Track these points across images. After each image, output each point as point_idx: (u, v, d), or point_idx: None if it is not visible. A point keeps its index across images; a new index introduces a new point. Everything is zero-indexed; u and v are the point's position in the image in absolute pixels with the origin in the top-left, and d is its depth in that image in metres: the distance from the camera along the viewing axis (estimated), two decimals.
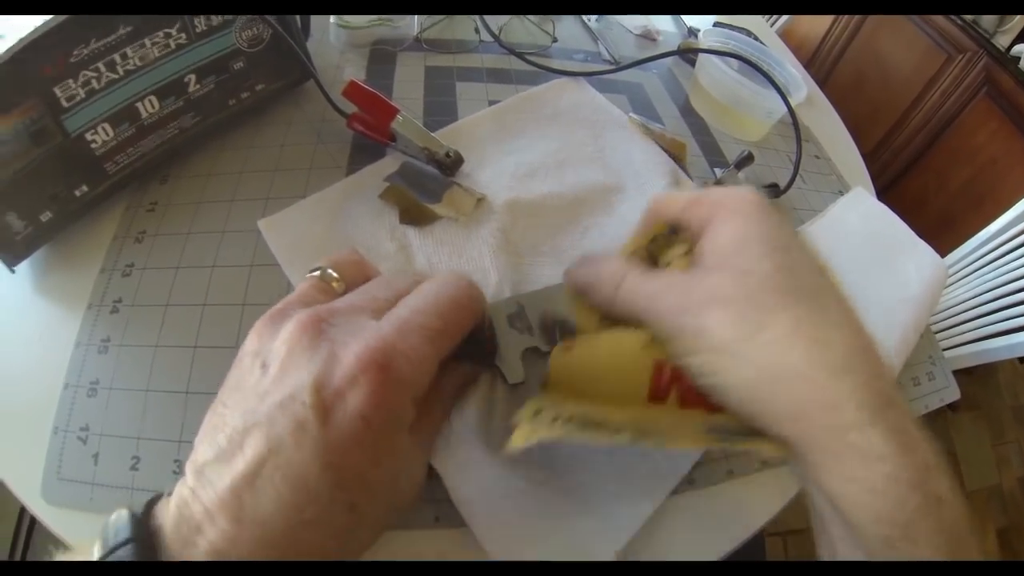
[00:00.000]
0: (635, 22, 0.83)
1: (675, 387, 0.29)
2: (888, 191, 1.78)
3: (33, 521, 1.03)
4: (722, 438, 0.28)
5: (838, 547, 0.27)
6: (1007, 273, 0.88)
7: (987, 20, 1.65)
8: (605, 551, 0.35)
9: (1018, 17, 1.60)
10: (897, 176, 1.76)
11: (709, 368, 0.27)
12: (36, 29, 0.37)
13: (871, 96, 1.82)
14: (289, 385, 0.23)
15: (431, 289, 0.28)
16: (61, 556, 0.24)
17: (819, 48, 1.97)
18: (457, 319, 0.28)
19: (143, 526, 0.23)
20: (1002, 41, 1.59)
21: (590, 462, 0.37)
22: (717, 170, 0.60)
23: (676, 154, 0.58)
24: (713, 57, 0.67)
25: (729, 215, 0.30)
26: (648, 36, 0.81)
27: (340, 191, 0.48)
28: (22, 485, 0.34)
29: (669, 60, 0.76)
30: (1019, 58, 1.52)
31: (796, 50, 0.99)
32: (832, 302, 0.28)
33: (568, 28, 0.77)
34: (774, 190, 0.59)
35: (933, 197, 1.64)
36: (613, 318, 0.32)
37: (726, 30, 0.77)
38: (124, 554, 0.21)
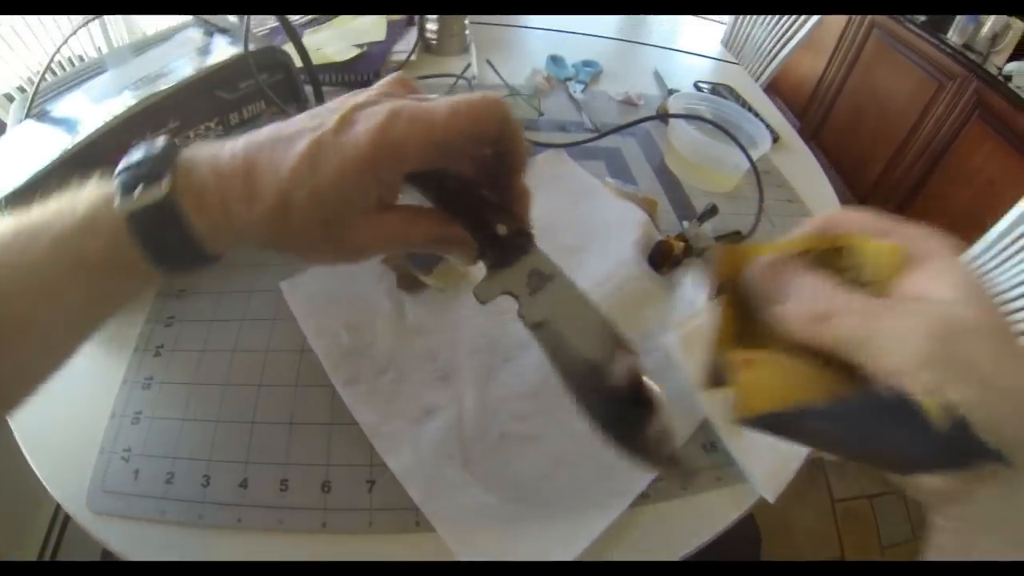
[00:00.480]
0: (618, 88, 0.92)
1: None
2: None
3: (61, 533, 1.13)
4: None
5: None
6: (1016, 275, 0.92)
7: (980, 42, 1.71)
8: (567, 554, 0.41)
9: (1010, 37, 1.66)
10: (900, 204, 1.80)
11: (965, 403, 0.24)
12: (97, 129, 0.47)
13: (870, 129, 1.88)
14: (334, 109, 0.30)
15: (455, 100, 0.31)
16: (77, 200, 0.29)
17: (817, 87, 2.05)
18: (466, 115, 0.30)
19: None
20: (996, 61, 1.64)
21: (557, 480, 0.45)
22: (685, 223, 0.68)
23: (648, 211, 0.66)
24: (681, 120, 0.75)
25: (951, 252, 0.28)
26: (630, 102, 0.90)
27: None
28: (68, 497, 0.41)
29: (648, 123, 0.84)
30: (1010, 77, 1.57)
31: (794, 91, 1.07)
32: None
33: (555, 101, 0.87)
34: (736, 237, 0.67)
35: (936, 222, 1.60)
36: (753, 322, 0.30)
37: (697, 93, 0.86)
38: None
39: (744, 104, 0.95)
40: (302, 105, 0.59)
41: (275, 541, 0.41)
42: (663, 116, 0.80)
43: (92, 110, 0.51)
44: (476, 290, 0.33)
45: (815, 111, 2.11)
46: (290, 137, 0.29)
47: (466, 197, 0.34)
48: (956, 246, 0.28)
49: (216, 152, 0.29)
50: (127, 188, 0.28)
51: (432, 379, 0.49)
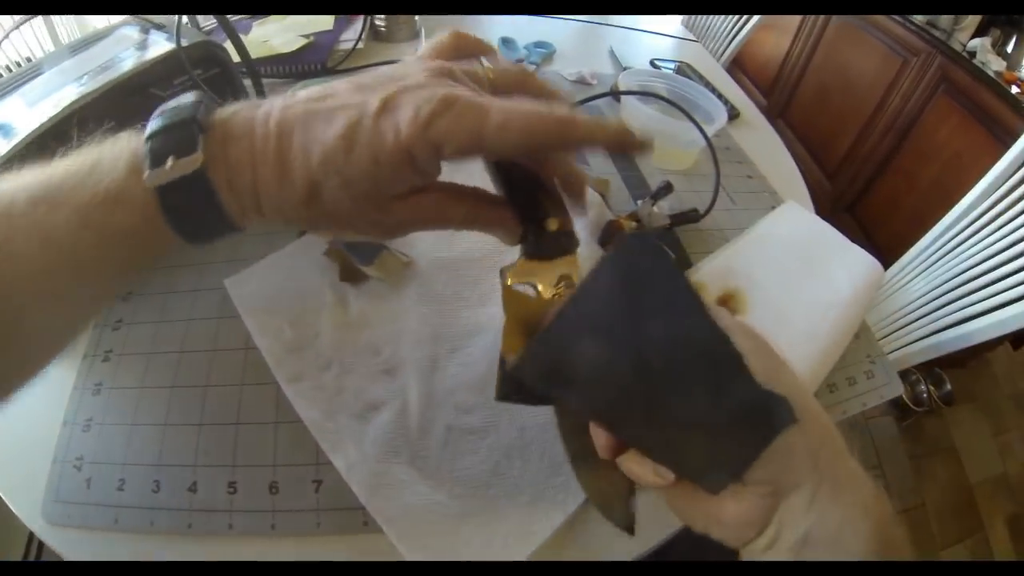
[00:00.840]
0: (570, 69, 0.89)
1: None
2: (861, 197, 1.82)
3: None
4: None
5: None
6: (983, 250, 0.91)
7: (944, 19, 1.69)
8: (519, 553, 0.39)
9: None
10: (868, 181, 1.79)
11: None
12: (29, 134, 0.44)
13: (836, 107, 1.87)
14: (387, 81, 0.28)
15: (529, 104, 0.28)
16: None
17: (782, 67, 2.03)
18: (519, 130, 0.27)
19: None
20: (961, 38, 1.63)
21: (507, 476, 0.42)
22: (638, 201, 0.65)
23: (600, 191, 0.63)
24: (632, 98, 0.72)
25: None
26: (583, 81, 0.87)
27: (291, 251, 0.54)
28: (25, 509, 0.40)
29: (602, 101, 0.81)
30: (974, 53, 1.56)
31: (760, 70, 1.05)
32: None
33: None
34: (693, 214, 0.64)
35: (904, 198, 1.66)
36: None
37: (651, 70, 0.83)
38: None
39: (704, 82, 0.92)
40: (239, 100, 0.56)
41: (226, 546, 0.40)
42: (615, 93, 0.77)
43: (26, 114, 0.48)
44: (510, 274, 0.33)
45: (781, 89, 2.10)
46: (329, 113, 0.27)
47: (525, 181, 0.33)
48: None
49: (252, 117, 0.28)
50: (157, 158, 0.26)
51: (376, 372, 0.47)
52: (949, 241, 0.99)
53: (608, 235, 0.57)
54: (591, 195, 0.60)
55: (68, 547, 0.39)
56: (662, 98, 0.71)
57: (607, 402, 0.29)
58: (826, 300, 0.56)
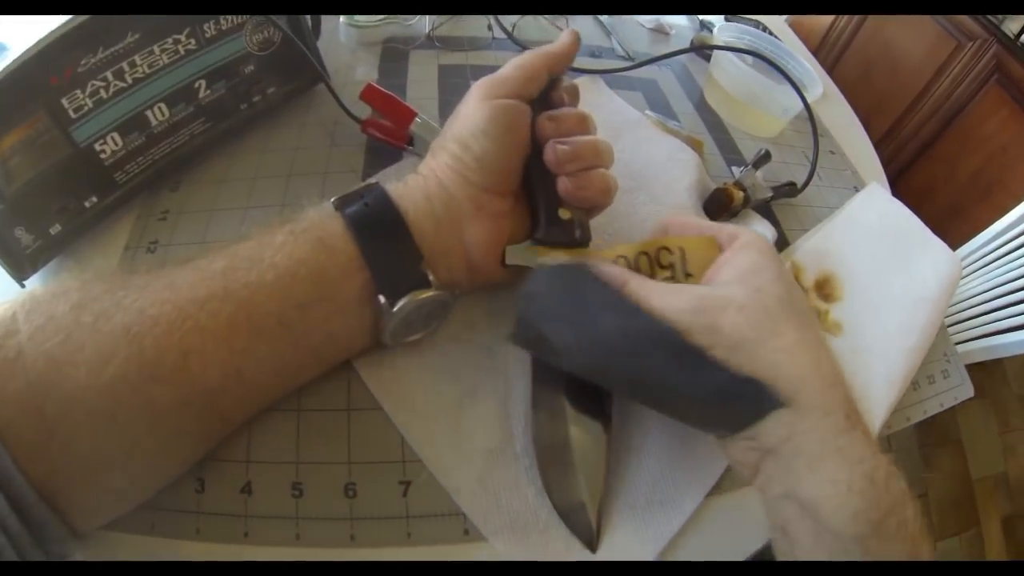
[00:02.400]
0: (647, 16, 0.81)
1: None
2: (897, 180, 1.76)
3: None
4: None
5: (800, 556, 0.29)
6: (1018, 268, 0.87)
7: None
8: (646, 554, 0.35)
9: None
10: (905, 166, 1.74)
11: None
12: (41, 40, 0.36)
13: (879, 85, 1.80)
14: None
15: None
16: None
17: (825, 38, 1.94)
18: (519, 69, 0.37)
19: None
20: (1012, 27, 1.56)
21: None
22: (735, 168, 0.59)
23: (696, 150, 0.57)
24: (728, 53, 0.65)
25: (746, 245, 0.34)
26: (661, 30, 0.80)
27: None
28: None
29: (683, 56, 0.74)
30: None
31: (803, 40, 0.98)
32: (819, 332, 0.33)
33: (580, 23, 0.75)
34: (791, 188, 0.58)
35: (942, 187, 1.62)
36: None
37: (740, 25, 0.76)
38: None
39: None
40: (293, 17, 0.47)
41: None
42: (707, 47, 0.70)
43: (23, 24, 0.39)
44: (508, 248, 0.36)
45: (822, 62, 2.01)
46: None
47: (549, 176, 0.36)
48: (761, 241, 0.35)
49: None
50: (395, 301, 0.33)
51: (472, 350, 0.40)
52: (1002, 246, 0.96)
53: (716, 203, 0.51)
54: (692, 155, 0.55)
55: None
56: (763, 57, 0.65)
57: (592, 369, 0.32)
58: (915, 294, 0.53)
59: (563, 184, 0.35)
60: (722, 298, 0.31)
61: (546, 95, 0.38)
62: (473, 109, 0.35)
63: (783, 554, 0.30)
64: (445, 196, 0.35)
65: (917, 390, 0.52)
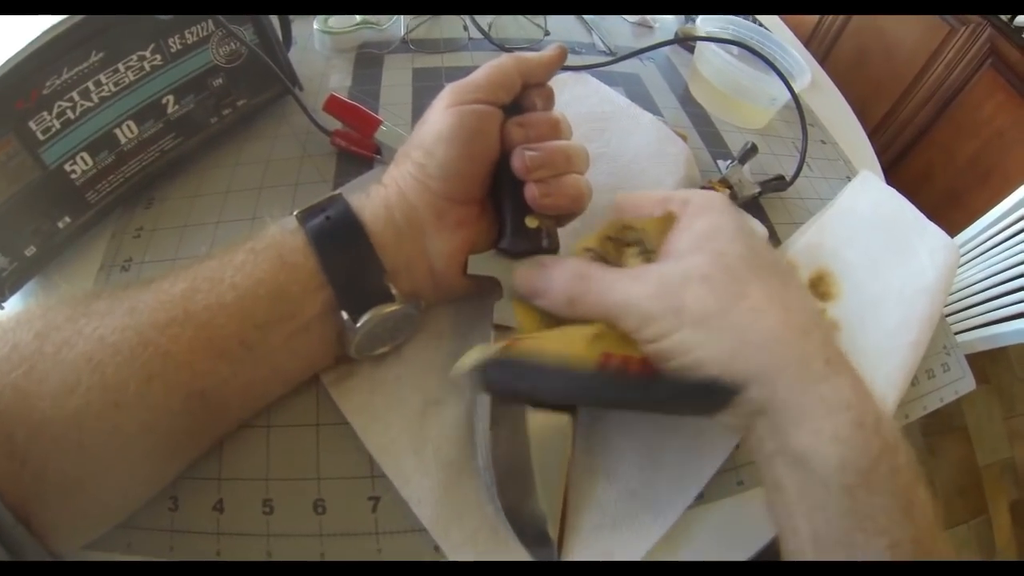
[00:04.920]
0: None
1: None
2: (893, 167, 1.75)
3: None
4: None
5: (795, 511, 0.28)
6: (1018, 254, 0.85)
7: None
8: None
9: None
10: (902, 152, 1.73)
11: (685, 347, 0.29)
12: (5, 63, 0.35)
13: (874, 71, 1.78)
14: None
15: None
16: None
17: (818, 27, 1.93)
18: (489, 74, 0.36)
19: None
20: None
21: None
22: (721, 162, 0.58)
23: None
24: (712, 44, 0.64)
25: (700, 209, 0.33)
26: (644, 24, 0.79)
27: None
28: None
29: (667, 48, 0.73)
30: (1023, 28, 1.48)
31: (794, 29, 0.96)
32: (789, 278, 0.32)
33: (560, 19, 0.75)
34: (780, 183, 0.57)
35: (939, 172, 1.61)
36: (556, 318, 0.34)
37: (723, 16, 0.74)
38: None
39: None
40: (259, 27, 0.46)
41: None
42: (690, 39, 0.69)
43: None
44: (471, 257, 0.35)
45: (815, 50, 1.99)
46: None
47: (517, 184, 0.35)
48: (715, 200, 0.34)
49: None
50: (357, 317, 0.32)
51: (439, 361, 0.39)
52: (1001, 232, 0.94)
53: None
54: (682, 148, 0.53)
55: None
56: (748, 47, 0.64)
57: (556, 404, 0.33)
58: (913, 285, 0.51)
59: (530, 191, 0.34)
60: (683, 273, 0.30)
61: (518, 100, 0.37)
62: (439, 115, 0.34)
63: (778, 514, 0.30)
64: (405, 206, 0.34)
65: (916, 385, 0.50)
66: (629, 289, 0.30)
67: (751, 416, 0.29)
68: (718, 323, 0.28)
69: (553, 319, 0.34)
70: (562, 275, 0.33)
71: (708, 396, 0.29)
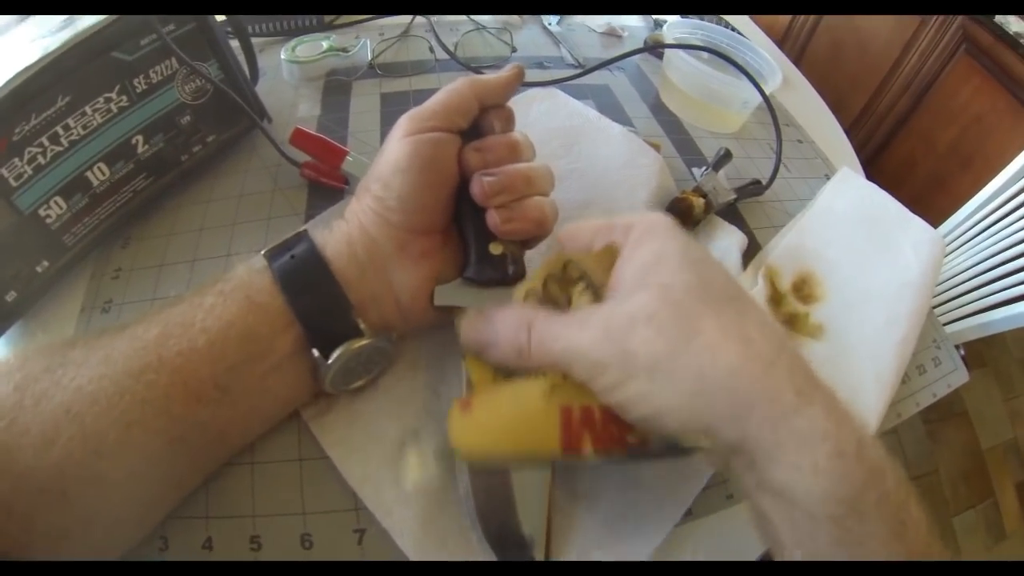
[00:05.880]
0: (598, 20, 0.81)
1: (587, 432, 0.28)
2: (875, 158, 1.77)
3: None
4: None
5: (785, 542, 0.27)
6: (1004, 239, 0.85)
7: None
8: None
9: None
10: (883, 143, 1.74)
11: (640, 397, 0.27)
12: None
13: (849, 65, 1.80)
14: None
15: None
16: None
17: (791, 24, 1.95)
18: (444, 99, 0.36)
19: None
20: None
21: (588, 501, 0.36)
22: (695, 170, 0.58)
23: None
24: (681, 51, 0.65)
25: (642, 236, 0.31)
26: (613, 34, 0.79)
27: None
28: None
29: (637, 57, 0.74)
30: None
31: (767, 29, 0.97)
32: (747, 305, 0.29)
33: (528, 35, 0.75)
34: (756, 187, 0.57)
35: (921, 160, 1.61)
36: (509, 370, 0.32)
37: (694, 20, 0.75)
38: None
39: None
40: (224, 62, 0.47)
41: None
42: (659, 46, 0.70)
43: None
44: (437, 288, 0.35)
45: (790, 48, 2.01)
46: None
47: (479, 210, 0.35)
48: (658, 224, 0.31)
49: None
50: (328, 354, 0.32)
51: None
52: (986, 218, 0.94)
53: (675, 215, 0.50)
54: (655, 159, 0.53)
55: None
56: (716, 52, 0.64)
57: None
58: (899, 280, 0.51)
59: (491, 218, 0.34)
60: (627, 315, 0.27)
61: (477, 123, 0.37)
62: (395, 145, 0.34)
63: (770, 543, 0.28)
64: (367, 240, 0.34)
65: (908, 382, 0.49)
66: (574, 337, 0.28)
67: (725, 456, 0.27)
68: (670, 367, 0.26)
69: (507, 370, 0.32)
70: (506, 326, 0.31)
71: (669, 452, 0.28)
